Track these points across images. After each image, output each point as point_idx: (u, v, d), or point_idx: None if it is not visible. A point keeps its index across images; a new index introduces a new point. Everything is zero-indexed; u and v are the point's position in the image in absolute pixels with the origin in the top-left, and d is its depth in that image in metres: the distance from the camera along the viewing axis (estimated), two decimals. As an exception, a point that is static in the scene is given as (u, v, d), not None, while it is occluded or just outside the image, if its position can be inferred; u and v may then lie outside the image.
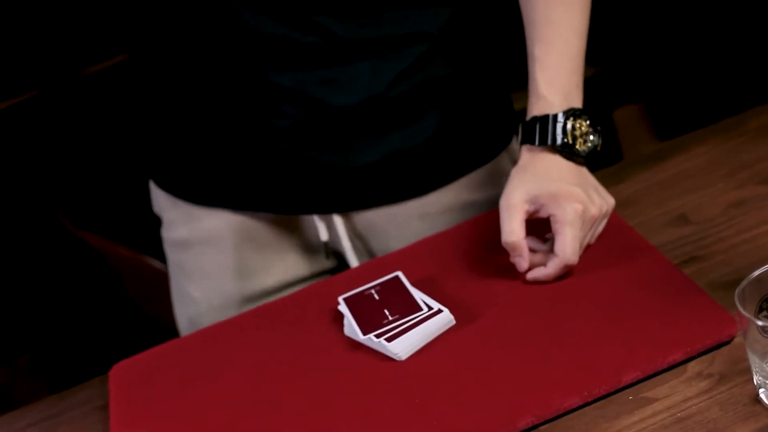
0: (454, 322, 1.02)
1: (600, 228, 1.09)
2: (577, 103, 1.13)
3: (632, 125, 2.77)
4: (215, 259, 1.30)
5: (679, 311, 0.96)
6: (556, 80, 1.14)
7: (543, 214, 1.07)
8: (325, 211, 1.26)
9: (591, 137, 1.13)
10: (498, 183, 1.27)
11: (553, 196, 1.06)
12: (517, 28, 1.23)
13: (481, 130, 1.29)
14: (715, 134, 1.27)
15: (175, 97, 1.28)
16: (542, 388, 0.91)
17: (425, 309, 1.02)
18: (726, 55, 2.60)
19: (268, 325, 1.11)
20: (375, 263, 1.16)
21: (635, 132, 2.75)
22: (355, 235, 1.28)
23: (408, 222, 1.27)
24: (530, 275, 1.07)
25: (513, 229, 1.06)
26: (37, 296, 2.66)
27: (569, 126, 1.10)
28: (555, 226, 1.06)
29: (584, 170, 1.12)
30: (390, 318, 1.02)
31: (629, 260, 1.05)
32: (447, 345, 1.00)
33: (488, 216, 1.18)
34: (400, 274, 1.09)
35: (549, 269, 1.05)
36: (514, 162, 1.31)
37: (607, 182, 1.19)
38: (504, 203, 1.08)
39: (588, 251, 1.07)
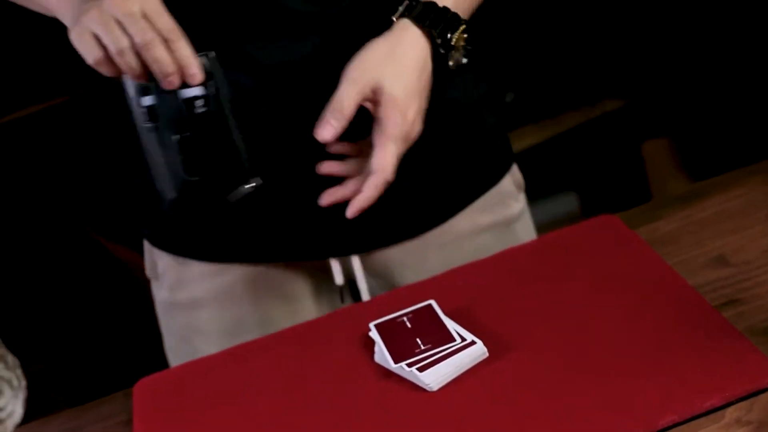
0: (486, 354, 1.00)
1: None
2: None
3: (660, 158, 2.76)
4: (235, 315, 1.28)
5: (718, 355, 0.94)
6: None
7: (373, 111, 1.06)
8: (345, 252, 1.26)
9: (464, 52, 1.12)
10: (504, 204, 1.31)
11: (393, 100, 1.05)
12: (517, 60, 1.22)
13: (487, 154, 1.30)
14: (754, 175, 1.26)
15: None
16: (575, 428, 0.89)
17: (458, 340, 1.01)
18: (758, 92, 2.59)
19: (297, 347, 1.10)
20: (407, 290, 1.15)
21: (663, 165, 2.75)
22: (373, 274, 1.27)
23: (425, 253, 1.27)
24: (353, 207, 1.05)
25: (349, 108, 1.04)
26: (62, 306, 2.67)
27: (460, 28, 1.10)
28: (379, 138, 1.05)
29: (429, 81, 1.10)
30: (422, 347, 1.01)
31: (668, 300, 1.03)
32: (479, 377, 0.98)
33: (523, 248, 1.17)
34: (433, 302, 1.08)
35: (369, 190, 1.04)
36: (516, 183, 1.34)
37: (643, 219, 1.19)
38: (353, 75, 1.05)
39: (626, 289, 1.05)
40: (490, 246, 1.28)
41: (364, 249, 1.26)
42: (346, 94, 1.04)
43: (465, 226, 1.27)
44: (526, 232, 1.36)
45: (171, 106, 1.02)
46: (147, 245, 1.34)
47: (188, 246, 1.27)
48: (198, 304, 1.29)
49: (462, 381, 0.98)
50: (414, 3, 1.09)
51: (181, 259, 1.28)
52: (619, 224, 1.17)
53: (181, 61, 0.99)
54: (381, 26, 1.10)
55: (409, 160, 1.20)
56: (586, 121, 2.86)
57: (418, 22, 1.08)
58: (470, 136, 1.27)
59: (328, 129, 1.04)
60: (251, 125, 1.07)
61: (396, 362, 1.00)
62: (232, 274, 1.26)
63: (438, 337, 1.02)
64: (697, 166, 2.63)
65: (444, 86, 1.16)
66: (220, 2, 1.12)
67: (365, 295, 1.26)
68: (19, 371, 0.75)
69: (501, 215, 1.30)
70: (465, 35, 1.11)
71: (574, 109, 2.89)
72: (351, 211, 1.06)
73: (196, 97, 1.02)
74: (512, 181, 1.33)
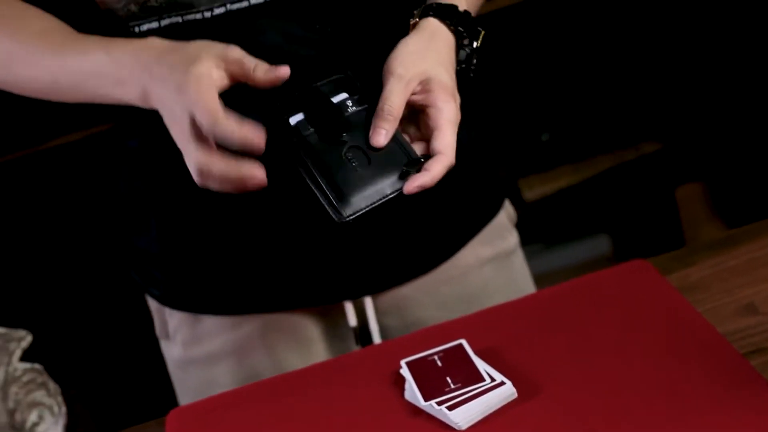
0: (516, 395, 1.02)
1: None
2: None
3: (694, 203, 2.77)
4: (252, 365, 1.29)
5: (745, 404, 0.95)
6: (472, 3, 1.16)
7: (422, 101, 1.05)
8: (358, 294, 1.28)
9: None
10: (502, 237, 1.36)
11: (445, 88, 1.05)
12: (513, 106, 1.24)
13: (484, 190, 1.35)
14: (788, 223, 1.27)
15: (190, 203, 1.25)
16: (603, 471, 0.91)
17: (488, 380, 1.02)
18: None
19: (329, 381, 1.11)
20: (438, 329, 1.17)
21: (697, 210, 2.75)
22: (385, 313, 1.30)
23: (435, 288, 1.30)
24: (414, 184, 1.01)
25: (401, 104, 1.03)
26: (98, 334, 2.70)
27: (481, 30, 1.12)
28: (439, 122, 1.03)
29: None
30: (452, 386, 1.02)
31: (696, 347, 1.04)
32: (507, 418, 0.99)
33: (554, 291, 1.19)
34: (464, 342, 1.09)
35: (434, 170, 1.02)
36: (509, 217, 1.39)
37: (674, 266, 1.20)
38: (400, 71, 1.04)
39: (655, 335, 1.06)
40: (493, 278, 1.33)
41: (378, 289, 1.28)
42: (395, 93, 1.02)
43: (470, 260, 1.31)
44: (521, 264, 1.42)
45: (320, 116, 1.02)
46: (155, 305, 1.35)
47: (203, 301, 1.29)
48: (214, 359, 1.30)
49: (490, 421, 0.99)
50: (432, 5, 1.10)
51: (194, 316, 1.30)
52: (650, 270, 1.18)
53: None
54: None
55: (415, 198, 1.23)
56: (621, 164, 2.87)
57: (444, 19, 1.09)
58: (470, 173, 1.30)
59: (381, 135, 1.02)
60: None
61: (426, 400, 1.01)
62: (247, 326, 1.28)
63: (468, 376, 1.03)
64: (730, 211, 2.63)
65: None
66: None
67: (376, 336, 1.29)
68: (59, 398, 0.77)
69: (500, 248, 1.36)
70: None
71: (609, 151, 2.90)
72: (410, 187, 1.01)
73: (344, 101, 1.03)
74: (507, 215, 1.38)
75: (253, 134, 0.97)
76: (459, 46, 1.10)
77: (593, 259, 2.90)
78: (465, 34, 1.10)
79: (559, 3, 2.80)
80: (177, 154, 1.05)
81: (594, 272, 1.21)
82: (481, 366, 1.05)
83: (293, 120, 1.02)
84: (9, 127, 2.48)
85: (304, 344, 1.30)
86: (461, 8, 1.10)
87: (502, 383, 1.02)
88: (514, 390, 1.02)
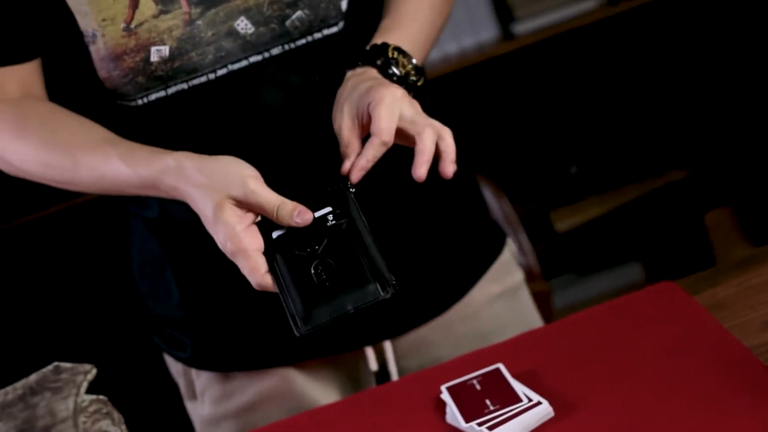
0: (552, 414, 1.06)
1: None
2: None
3: (724, 228, 2.78)
4: (286, 408, 1.33)
5: (773, 413, 0.98)
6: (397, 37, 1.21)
7: (365, 111, 1.09)
8: (378, 339, 1.33)
9: (412, 71, 1.18)
10: (508, 273, 1.41)
11: (369, 89, 1.10)
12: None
13: (488, 230, 1.42)
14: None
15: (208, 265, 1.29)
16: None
17: (525, 400, 1.07)
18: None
19: (373, 409, 1.16)
20: (476, 355, 1.21)
21: (727, 235, 2.76)
22: (403, 355, 1.35)
23: (450, 327, 1.36)
24: (356, 169, 1.07)
25: (345, 130, 1.10)
26: (156, 370, 2.75)
27: (395, 53, 1.17)
28: (372, 111, 1.08)
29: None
30: (491, 408, 1.07)
31: (725, 363, 1.07)
32: (545, 436, 1.04)
33: (585, 315, 1.23)
34: (501, 366, 1.13)
35: (368, 153, 1.07)
36: (512, 253, 1.45)
37: (702, 286, 1.24)
38: (335, 116, 1.12)
39: (685, 352, 1.10)
40: (504, 313, 1.38)
41: (397, 333, 1.34)
42: (344, 128, 1.10)
43: (481, 297, 1.37)
44: (527, 299, 1.46)
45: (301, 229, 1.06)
46: (179, 367, 1.38)
47: (231, 359, 1.33)
48: (248, 409, 1.34)
49: (529, 439, 1.04)
50: (357, 61, 1.18)
51: (222, 374, 1.34)
52: (677, 291, 1.22)
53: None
54: None
55: (426, 242, 1.28)
56: (649, 192, 2.90)
57: (356, 64, 1.17)
58: (474, 215, 1.38)
59: (356, 172, 1.08)
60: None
61: (467, 422, 1.05)
62: (274, 378, 1.33)
63: (506, 398, 1.08)
64: (759, 234, 2.65)
65: None
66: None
67: (395, 378, 1.34)
68: (123, 426, 0.82)
69: (508, 284, 1.41)
70: (411, 61, 1.18)
71: (637, 180, 2.93)
72: (354, 176, 1.08)
73: (325, 215, 1.07)
74: (510, 252, 1.44)
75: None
76: (381, 70, 1.16)
77: (625, 287, 2.92)
78: (376, 61, 1.16)
79: (580, 38, 2.84)
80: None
81: (624, 295, 1.25)
82: (519, 388, 1.09)
83: (275, 234, 1.07)
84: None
85: (330, 388, 1.35)
86: (378, 41, 1.18)
87: (539, 403, 1.06)
88: (550, 409, 1.06)
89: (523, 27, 2.72)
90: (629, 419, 1.03)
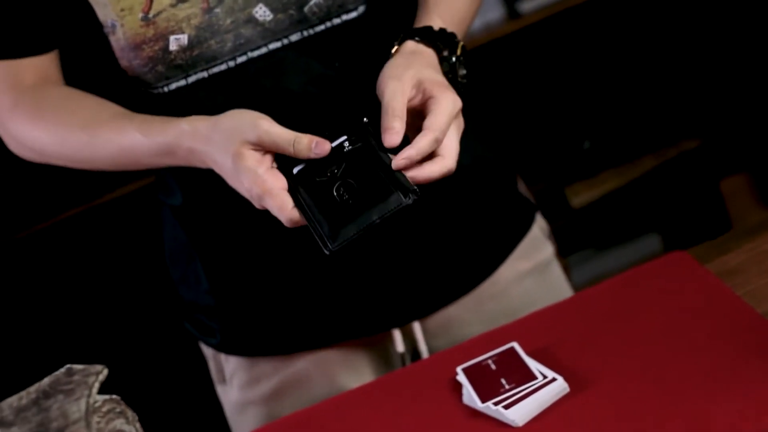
0: (567, 390, 1.06)
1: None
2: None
3: (740, 195, 2.77)
4: (311, 395, 1.34)
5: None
6: (449, 19, 1.19)
7: (422, 100, 1.07)
8: (406, 321, 1.34)
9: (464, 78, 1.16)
10: (537, 249, 1.40)
11: (439, 84, 1.08)
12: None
13: (517, 206, 1.40)
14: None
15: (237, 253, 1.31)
16: (656, 453, 0.95)
17: (540, 378, 1.07)
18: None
19: (391, 393, 1.16)
20: (490, 335, 1.21)
21: (743, 201, 2.76)
22: (433, 335, 1.35)
23: (480, 305, 1.36)
24: (401, 157, 1.03)
25: (403, 109, 1.05)
26: (168, 367, 2.77)
27: (461, 51, 1.15)
28: (433, 106, 1.05)
29: None
30: (507, 387, 1.07)
31: (738, 329, 1.08)
32: (561, 412, 1.04)
33: (598, 289, 1.23)
34: (515, 344, 1.14)
35: (420, 144, 1.02)
36: (542, 229, 1.44)
37: (714, 253, 1.24)
38: (395, 74, 1.07)
39: (699, 321, 1.11)
40: (534, 289, 1.38)
41: (425, 314, 1.34)
42: (397, 93, 1.05)
43: (510, 274, 1.37)
44: (559, 274, 1.46)
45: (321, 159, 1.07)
46: (210, 352, 1.40)
47: (258, 345, 1.34)
48: (274, 397, 1.35)
49: (545, 416, 1.04)
50: (408, 31, 1.16)
51: (250, 359, 1.35)
52: (689, 260, 1.22)
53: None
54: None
55: (453, 221, 1.28)
56: (664, 163, 2.89)
57: (421, 39, 1.14)
58: (501, 191, 1.37)
59: (393, 135, 1.04)
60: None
61: (483, 402, 1.06)
62: (302, 362, 1.34)
63: (521, 376, 1.08)
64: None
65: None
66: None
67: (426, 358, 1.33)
68: (137, 424, 0.83)
69: (537, 259, 1.40)
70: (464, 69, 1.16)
71: (651, 152, 2.92)
72: (398, 161, 1.03)
73: (342, 143, 1.07)
74: (539, 227, 1.43)
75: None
76: (441, 60, 1.14)
77: (644, 259, 2.91)
78: (443, 47, 1.14)
79: (586, 12, 2.83)
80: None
81: (636, 267, 1.25)
82: (533, 365, 1.09)
83: (295, 170, 1.07)
84: (67, 184, 2.56)
85: (358, 371, 1.35)
86: (436, 27, 1.15)
87: (553, 379, 1.06)
88: (566, 385, 1.06)
89: (528, 5, 2.71)
90: (644, 391, 1.03)
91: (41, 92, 1.23)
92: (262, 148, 1.06)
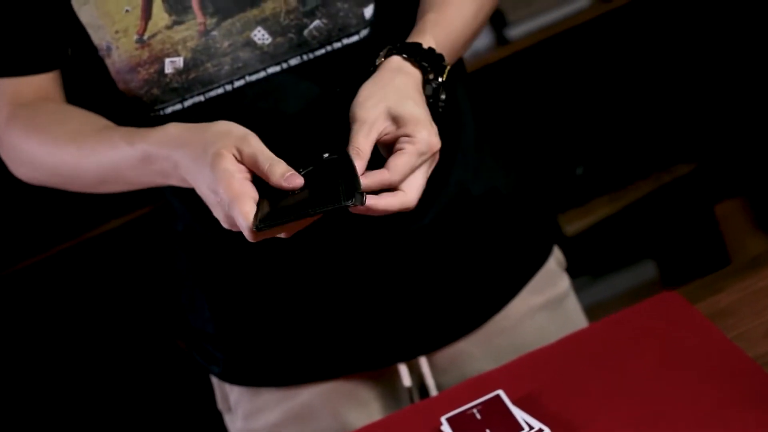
0: (555, 441, 1.03)
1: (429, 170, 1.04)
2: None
3: (735, 219, 2.75)
4: (320, 428, 1.31)
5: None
6: (442, 41, 1.13)
7: (395, 135, 1.02)
8: (412, 355, 1.31)
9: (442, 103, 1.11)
10: (552, 283, 1.37)
11: (417, 121, 1.02)
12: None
13: (532, 238, 1.36)
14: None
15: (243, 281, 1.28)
16: None
17: (526, 428, 1.04)
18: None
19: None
20: (476, 381, 1.18)
21: (739, 226, 2.74)
22: (442, 369, 1.32)
23: (489, 340, 1.32)
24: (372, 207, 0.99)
25: (366, 146, 1.00)
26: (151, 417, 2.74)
27: (445, 75, 1.10)
28: (404, 145, 1.01)
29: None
30: (492, 438, 1.04)
31: (729, 374, 1.05)
32: (549, 464, 1.01)
33: (586, 331, 1.20)
34: (501, 392, 1.11)
35: (367, 179, 0.99)
36: (558, 262, 1.40)
37: (704, 293, 1.20)
38: (362, 114, 1.02)
39: (689, 365, 1.07)
40: (546, 325, 1.34)
41: (431, 348, 1.30)
42: (360, 135, 1.01)
43: (522, 309, 1.33)
44: (575, 308, 1.42)
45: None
46: (216, 381, 1.38)
47: (261, 375, 1.31)
48: (277, 428, 1.33)
49: (532, 469, 1.01)
50: (397, 44, 1.10)
51: (253, 389, 1.32)
52: (680, 301, 1.19)
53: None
54: None
55: (463, 253, 1.25)
56: (658, 188, 2.87)
57: (408, 56, 1.09)
58: (516, 223, 1.32)
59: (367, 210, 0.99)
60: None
61: (467, 455, 1.03)
62: (306, 394, 1.31)
63: (507, 426, 1.05)
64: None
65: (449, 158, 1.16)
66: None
67: (434, 393, 1.30)
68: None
69: (551, 294, 1.37)
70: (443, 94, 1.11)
71: (644, 177, 2.90)
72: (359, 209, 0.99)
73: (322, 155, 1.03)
74: (556, 261, 1.39)
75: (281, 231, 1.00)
76: (425, 81, 1.09)
77: (640, 285, 2.89)
78: (429, 69, 1.09)
79: (576, 37, 2.81)
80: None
81: (625, 308, 1.22)
82: (519, 415, 1.06)
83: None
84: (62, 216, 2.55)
85: (364, 405, 1.32)
86: (425, 46, 1.10)
87: (540, 431, 1.03)
88: (552, 436, 1.03)
89: (516, 31, 2.69)
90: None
91: (37, 107, 1.21)
92: (241, 159, 1.01)
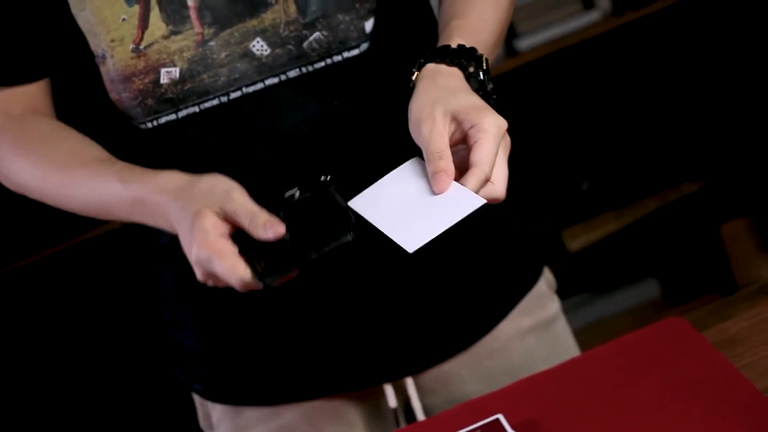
0: (554, 469, 1.00)
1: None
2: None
3: (741, 239, 2.74)
4: None
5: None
6: (471, 43, 1.10)
7: (462, 133, 1.00)
8: (398, 376, 1.28)
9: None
10: (542, 305, 1.35)
11: (476, 108, 1.00)
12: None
13: (522, 260, 1.34)
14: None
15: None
16: None
17: (526, 455, 1.01)
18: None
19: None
20: (475, 404, 1.15)
21: (744, 246, 2.72)
22: (429, 391, 1.29)
23: (477, 362, 1.30)
24: (442, 183, 0.97)
25: (445, 148, 0.98)
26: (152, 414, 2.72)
27: (486, 64, 1.08)
28: (477, 135, 0.98)
29: None
30: (490, 464, 1.01)
31: (735, 406, 1.02)
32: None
33: (590, 356, 1.17)
34: (500, 417, 1.08)
35: (469, 184, 0.96)
36: (549, 284, 1.38)
37: (713, 320, 1.18)
38: (424, 115, 1.00)
39: (694, 395, 1.05)
40: (535, 348, 1.32)
41: (419, 369, 1.28)
42: (434, 134, 0.99)
43: (510, 331, 1.31)
44: (564, 330, 1.39)
45: None
46: (198, 398, 1.35)
47: (243, 393, 1.29)
48: None
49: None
50: (426, 53, 1.08)
51: (236, 408, 1.30)
52: (686, 327, 1.16)
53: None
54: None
55: (453, 273, 1.22)
56: (663, 206, 2.85)
57: (441, 60, 1.06)
58: (506, 244, 1.30)
59: (443, 178, 0.98)
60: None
61: (464, 481, 1.00)
62: (289, 414, 1.28)
63: (506, 453, 1.02)
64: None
65: None
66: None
67: (420, 415, 1.28)
68: None
69: (541, 316, 1.34)
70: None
71: (650, 194, 2.88)
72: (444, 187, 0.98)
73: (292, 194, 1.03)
74: (546, 282, 1.37)
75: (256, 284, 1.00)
76: (468, 77, 1.06)
77: (642, 304, 2.87)
78: (466, 63, 1.06)
79: (586, 50, 2.79)
80: None
81: (630, 333, 1.19)
82: (519, 441, 1.04)
83: None
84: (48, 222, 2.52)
85: (348, 425, 1.30)
86: (453, 45, 1.08)
87: (540, 457, 1.01)
88: (553, 463, 1.00)
89: (526, 42, 2.67)
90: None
91: (26, 122, 1.19)
92: (224, 216, 1.00)
